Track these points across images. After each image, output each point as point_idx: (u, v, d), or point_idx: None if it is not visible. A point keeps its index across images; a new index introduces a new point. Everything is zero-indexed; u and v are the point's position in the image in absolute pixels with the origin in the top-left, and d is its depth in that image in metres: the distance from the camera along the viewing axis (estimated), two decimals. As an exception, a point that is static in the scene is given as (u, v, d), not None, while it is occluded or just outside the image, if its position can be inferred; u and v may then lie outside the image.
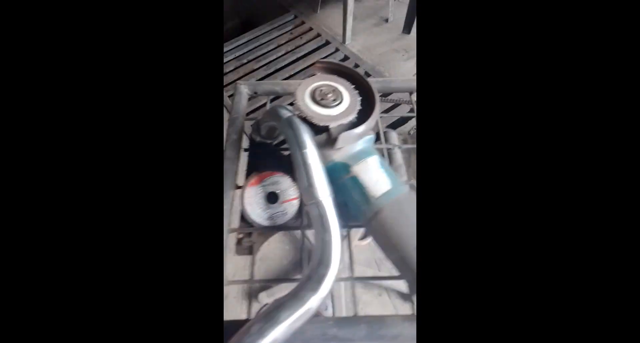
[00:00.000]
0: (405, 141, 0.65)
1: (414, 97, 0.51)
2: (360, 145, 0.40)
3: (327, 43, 1.79)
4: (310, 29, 1.84)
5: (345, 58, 1.73)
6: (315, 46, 1.78)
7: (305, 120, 0.38)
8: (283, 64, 1.69)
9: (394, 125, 1.45)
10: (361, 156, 0.39)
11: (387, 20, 1.89)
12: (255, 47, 1.76)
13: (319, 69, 0.44)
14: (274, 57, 1.71)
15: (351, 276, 0.40)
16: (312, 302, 0.31)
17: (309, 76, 0.43)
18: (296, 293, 0.31)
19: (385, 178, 0.38)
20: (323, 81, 0.41)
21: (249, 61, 1.71)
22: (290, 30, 1.84)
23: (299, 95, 0.39)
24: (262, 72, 1.66)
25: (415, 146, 0.51)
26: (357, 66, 1.70)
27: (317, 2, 1.88)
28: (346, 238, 0.43)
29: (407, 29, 1.83)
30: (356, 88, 0.42)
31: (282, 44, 1.77)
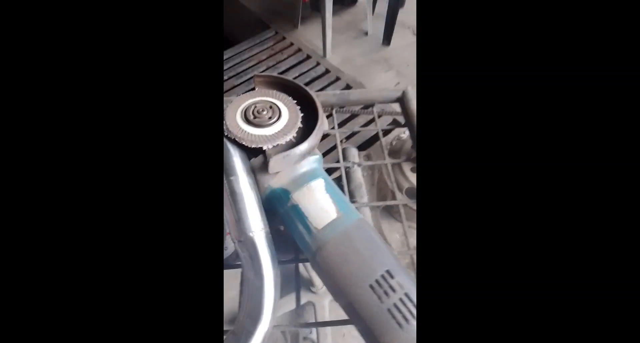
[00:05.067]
0: (368, 157, 0.58)
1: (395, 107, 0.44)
2: (304, 167, 0.32)
3: (308, 57, 1.73)
4: (291, 44, 1.79)
5: (327, 71, 1.68)
6: (296, 61, 1.72)
7: (237, 143, 0.31)
8: (264, 79, 1.63)
9: (373, 139, 1.38)
10: (304, 180, 0.31)
11: (366, 33, 1.85)
12: (236, 64, 1.70)
13: (258, 83, 0.37)
14: (255, 73, 1.65)
15: (291, 323, 0.32)
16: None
17: (246, 92, 0.35)
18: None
19: (331, 205, 0.30)
20: (260, 97, 0.34)
21: (229, 78, 1.64)
22: (271, 46, 1.78)
23: (229, 114, 0.32)
24: (243, 88, 1.60)
25: (375, 162, 0.44)
26: (338, 78, 1.64)
27: (297, 17, 1.83)
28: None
29: (386, 41, 1.78)
30: (299, 103, 0.35)
31: (263, 60, 1.72)
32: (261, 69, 1.67)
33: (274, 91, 0.35)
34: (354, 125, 1.42)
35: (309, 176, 0.32)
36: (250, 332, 0.26)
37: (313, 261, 0.29)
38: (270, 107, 0.33)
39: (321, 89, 1.62)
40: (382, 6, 1.73)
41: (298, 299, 0.34)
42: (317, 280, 0.94)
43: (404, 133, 1.28)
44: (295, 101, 0.35)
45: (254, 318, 0.26)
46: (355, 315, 0.26)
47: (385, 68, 1.69)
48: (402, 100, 0.45)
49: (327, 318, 0.97)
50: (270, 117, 0.32)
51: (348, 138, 1.41)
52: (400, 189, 1.11)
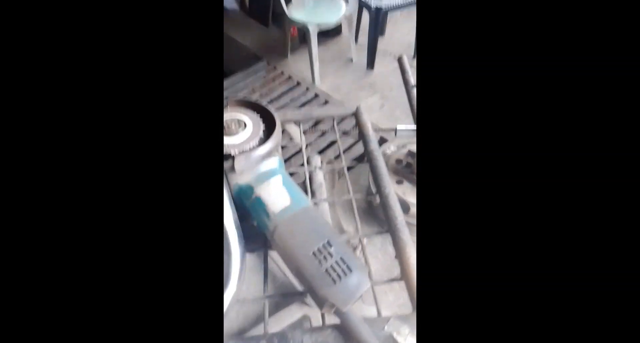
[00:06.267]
0: (330, 162, 0.67)
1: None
2: (265, 167, 0.40)
3: (298, 84, 1.87)
4: (282, 73, 1.93)
5: (316, 95, 1.80)
6: (287, 88, 1.85)
7: None
8: (258, 106, 1.75)
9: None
10: (265, 177, 0.40)
11: (351, 61, 1.99)
12: (232, 93, 1.83)
13: (230, 104, 0.46)
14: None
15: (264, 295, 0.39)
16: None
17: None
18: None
19: (286, 196, 0.38)
20: (229, 114, 0.43)
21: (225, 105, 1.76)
22: (264, 75, 1.93)
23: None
24: (237, 115, 1.71)
25: (337, 165, 0.52)
26: (327, 101, 1.76)
27: (286, 49, 1.99)
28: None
29: (370, 67, 1.92)
30: (262, 117, 0.44)
31: (256, 88, 1.85)
32: (254, 96, 1.80)
33: (241, 108, 0.44)
34: (327, 140, 1.51)
35: (269, 174, 0.40)
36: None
37: (271, 239, 0.37)
38: (238, 121, 0.42)
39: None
40: (365, 36, 1.88)
41: (266, 281, 0.41)
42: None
43: (389, 149, 1.37)
44: (259, 115, 0.44)
45: (224, 283, 0.34)
46: (302, 277, 0.34)
47: (370, 93, 1.82)
48: (356, 114, 0.55)
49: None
50: (237, 129, 0.41)
51: (322, 151, 1.48)
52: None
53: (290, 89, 1.84)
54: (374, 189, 0.49)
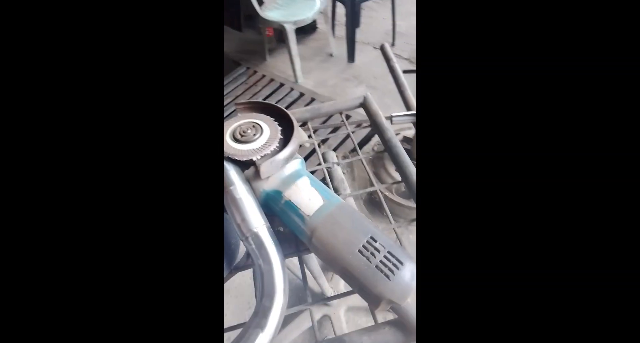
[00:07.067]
0: (345, 157, 0.66)
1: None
2: (289, 170, 0.39)
3: (282, 85, 1.84)
4: (263, 76, 1.90)
5: (301, 94, 1.78)
6: (271, 90, 1.83)
7: (231, 159, 0.38)
8: (244, 111, 1.72)
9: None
10: (291, 180, 0.38)
11: (331, 55, 1.98)
12: (216, 102, 1.79)
13: (239, 109, 0.44)
14: (234, 109, 1.75)
15: (308, 302, 0.37)
16: (261, 341, 0.29)
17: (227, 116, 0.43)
18: (242, 334, 0.29)
19: (317, 196, 0.36)
20: (243, 120, 0.41)
21: (212, 115, 1.73)
22: (245, 80, 1.89)
23: (220, 136, 0.39)
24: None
25: (354, 158, 0.51)
26: (313, 99, 1.75)
27: (264, 51, 1.96)
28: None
29: (351, 59, 1.91)
30: (276, 119, 0.42)
31: (239, 95, 1.82)
32: (240, 103, 1.76)
33: (254, 113, 0.42)
34: (332, 137, 1.50)
35: (295, 176, 0.38)
36: (268, 308, 0.31)
37: (310, 243, 0.35)
38: (253, 126, 0.40)
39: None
40: (341, 29, 1.87)
41: (305, 285, 0.40)
42: (328, 290, 0.98)
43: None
44: (273, 118, 0.42)
45: (270, 296, 0.32)
46: (350, 277, 0.32)
47: (356, 84, 1.81)
48: (364, 104, 0.53)
49: (345, 329, 1.00)
50: (254, 134, 0.39)
51: (333, 149, 1.49)
52: (389, 189, 1.18)
53: (274, 91, 1.82)
54: (373, 181, 0.49)
